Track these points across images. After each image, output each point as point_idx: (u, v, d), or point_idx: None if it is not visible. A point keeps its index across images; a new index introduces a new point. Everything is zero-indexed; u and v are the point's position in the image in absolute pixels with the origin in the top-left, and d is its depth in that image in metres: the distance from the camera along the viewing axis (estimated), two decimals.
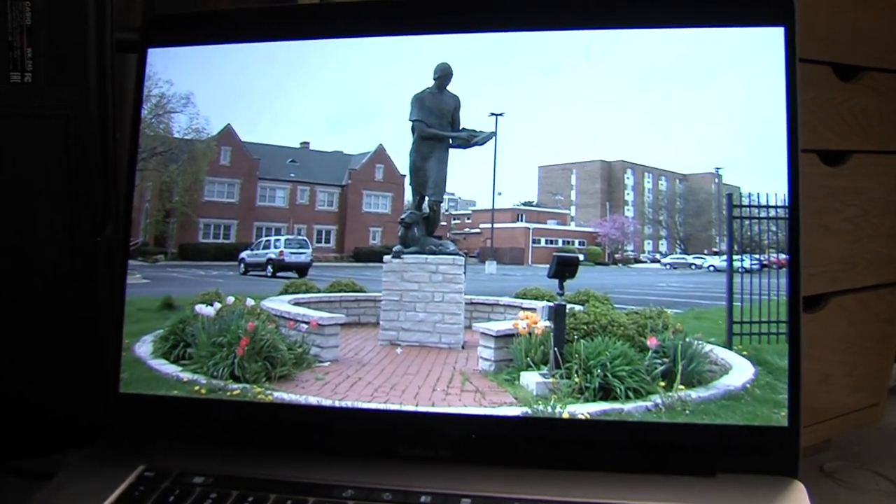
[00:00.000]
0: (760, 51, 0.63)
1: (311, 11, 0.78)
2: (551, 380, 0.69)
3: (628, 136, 0.71)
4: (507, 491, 0.60)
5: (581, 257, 0.86)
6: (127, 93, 0.75)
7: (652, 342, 0.70)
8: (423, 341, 0.89)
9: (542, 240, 1.02)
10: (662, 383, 0.68)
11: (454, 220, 1.02)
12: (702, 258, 0.85)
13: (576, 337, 0.71)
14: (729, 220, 0.73)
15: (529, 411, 0.66)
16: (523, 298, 0.85)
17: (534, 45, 0.69)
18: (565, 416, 0.65)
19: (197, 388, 0.71)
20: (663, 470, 0.61)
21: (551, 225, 1.01)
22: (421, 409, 0.68)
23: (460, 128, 0.81)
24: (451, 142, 0.85)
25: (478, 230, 0.99)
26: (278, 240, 0.91)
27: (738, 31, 0.64)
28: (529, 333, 0.75)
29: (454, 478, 0.62)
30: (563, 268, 0.76)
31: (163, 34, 0.74)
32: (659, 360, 0.69)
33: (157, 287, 0.78)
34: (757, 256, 0.71)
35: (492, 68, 0.71)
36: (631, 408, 0.67)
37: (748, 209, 0.70)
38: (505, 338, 0.80)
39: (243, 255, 0.88)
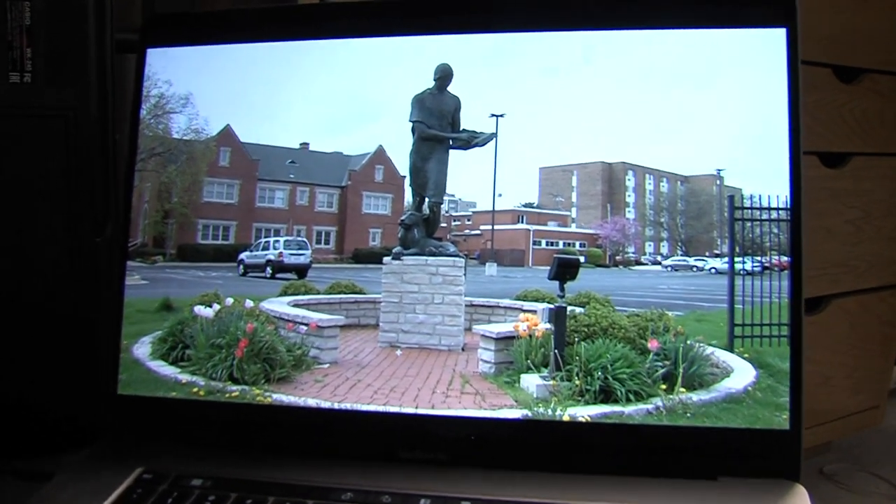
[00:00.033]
0: (762, 52, 0.63)
1: (310, 12, 0.78)
2: (552, 382, 0.69)
3: (629, 137, 0.70)
4: (506, 494, 0.59)
5: (582, 259, 0.86)
6: (127, 93, 0.75)
7: (653, 345, 0.69)
8: (423, 343, 0.89)
9: (543, 241, 1.01)
10: (663, 386, 0.67)
11: (454, 221, 1.02)
12: (703, 260, 0.85)
13: (576, 339, 0.71)
14: (730, 222, 0.73)
15: (530, 414, 0.66)
16: (524, 300, 0.85)
17: (534, 45, 0.69)
18: (566, 418, 0.65)
19: (195, 389, 0.71)
20: (664, 473, 0.61)
21: (552, 227, 1.01)
22: (420, 411, 0.67)
23: (461, 129, 0.81)
24: (451, 143, 0.85)
25: (478, 232, 0.99)
26: (277, 241, 0.90)
27: (740, 32, 0.64)
28: (530, 336, 0.75)
29: (454, 481, 0.62)
30: (564, 270, 0.75)
31: (162, 34, 0.73)
32: (660, 363, 0.69)
33: (156, 288, 0.78)
34: (759, 259, 0.71)
35: (492, 69, 0.70)
36: (632, 410, 0.66)
37: (750, 211, 0.70)
38: (505, 340, 0.80)
39: (242, 256, 0.88)
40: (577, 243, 0.97)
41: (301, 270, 0.92)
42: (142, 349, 0.74)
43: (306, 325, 0.81)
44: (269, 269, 0.91)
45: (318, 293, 0.90)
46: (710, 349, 0.69)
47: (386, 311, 0.92)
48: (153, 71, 0.73)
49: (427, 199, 0.96)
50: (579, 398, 0.67)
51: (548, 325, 0.74)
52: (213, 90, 0.74)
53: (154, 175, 0.79)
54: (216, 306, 0.76)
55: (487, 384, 0.77)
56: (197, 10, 1.03)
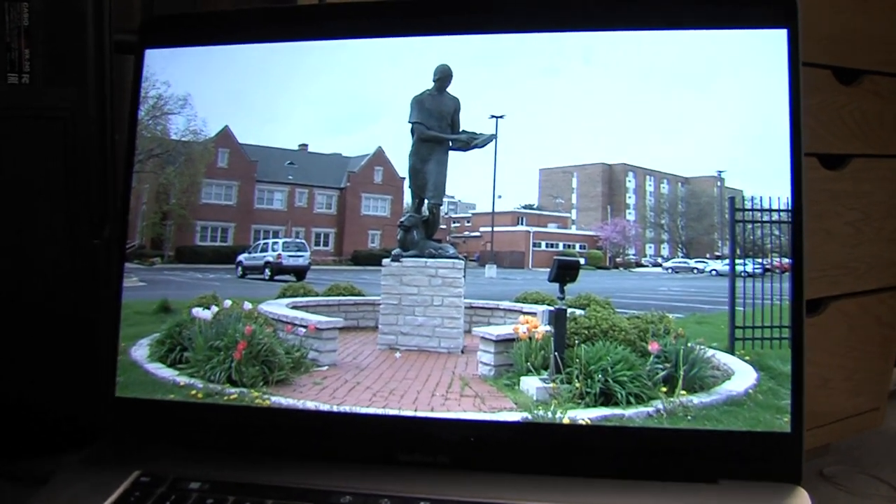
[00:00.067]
0: (763, 53, 0.63)
1: (309, 12, 0.78)
2: (552, 385, 0.69)
3: (630, 138, 0.70)
4: (506, 497, 0.59)
5: (582, 261, 0.86)
6: (126, 94, 0.75)
7: (653, 347, 0.69)
8: (423, 345, 0.89)
9: (543, 243, 1.01)
10: (664, 389, 0.67)
11: (454, 223, 1.01)
12: (704, 262, 0.85)
13: (576, 341, 0.71)
14: (731, 224, 0.73)
15: (529, 417, 0.65)
16: (523, 302, 0.85)
17: (534, 46, 0.68)
18: (566, 421, 0.65)
19: (193, 392, 0.71)
20: (665, 476, 0.61)
21: (552, 228, 1.00)
22: (420, 414, 0.67)
23: (460, 130, 0.81)
24: (450, 144, 0.85)
25: (478, 233, 0.99)
26: (276, 243, 0.90)
27: (740, 32, 0.64)
28: (530, 338, 0.75)
29: (453, 484, 0.61)
30: (564, 272, 0.75)
31: (160, 35, 0.73)
32: (660, 366, 0.69)
33: (154, 290, 0.78)
34: (759, 260, 0.71)
35: (492, 70, 0.70)
36: (632, 413, 0.66)
37: (751, 213, 0.70)
38: (505, 342, 0.80)
39: (241, 258, 0.88)
40: (578, 245, 0.97)
41: (300, 272, 0.91)
42: (140, 351, 0.74)
43: (305, 327, 0.81)
44: (267, 271, 0.91)
45: (317, 295, 0.90)
46: (710, 351, 0.69)
47: (385, 314, 0.92)
48: (151, 72, 0.73)
49: (426, 201, 0.96)
50: (579, 401, 0.67)
51: (548, 328, 0.74)
52: (212, 91, 0.74)
53: (152, 176, 0.79)
54: (214, 308, 0.75)
55: (487, 387, 0.77)
56: (195, 11, 1.03)
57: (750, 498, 0.59)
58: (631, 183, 0.94)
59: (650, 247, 0.90)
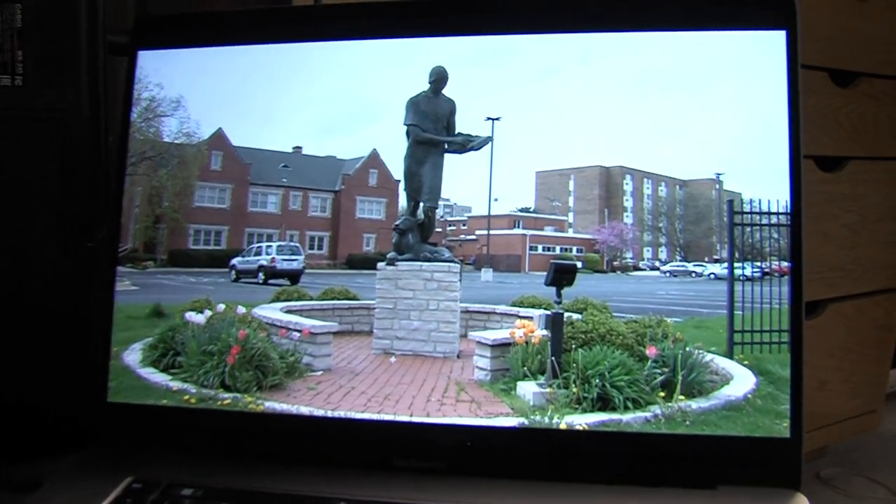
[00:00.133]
0: (761, 54, 0.62)
1: (304, 13, 0.77)
2: (548, 390, 0.68)
3: (627, 141, 0.70)
4: (502, 503, 0.59)
5: (579, 265, 0.85)
6: (119, 95, 0.74)
7: (651, 351, 0.69)
8: (418, 350, 0.88)
9: (540, 247, 1.01)
10: (662, 393, 0.67)
11: (449, 226, 1.01)
12: (702, 266, 0.84)
13: (574, 346, 0.70)
14: (730, 227, 0.72)
15: (526, 422, 0.65)
16: (520, 307, 0.84)
17: (531, 48, 0.68)
18: (563, 426, 0.64)
19: (186, 397, 0.70)
20: (663, 482, 0.61)
21: (549, 231, 1.00)
22: (415, 419, 0.66)
23: (456, 132, 0.80)
24: (446, 146, 0.84)
25: (474, 237, 0.98)
26: (270, 246, 0.90)
27: (739, 34, 0.64)
28: (526, 342, 0.75)
29: (449, 490, 0.61)
30: (561, 275, 0.75)
31: (153, 36, 0.73)
32: (658, 370, 0.68)
33: (147, 294, 0.77)
34: (758, 264, 0.71)
35: (488, 72, 0.70)
36: (630, 418, 0.66)
37: (749, 216, 0.69)
38: (501, 347, 0.80)
39: (234, 261, 0.87)
40: (575, 248, 0.97)
41: (294, 276, 0.91)
42: (132, 356, 0.73)
43: (299, 331, 0.80)
44: (261, 275, 0.90)
45: (311, 299, 0.90)
46: (709, 356, 0.69)
47: (380, 318, 0.91)
48: (144, 73, 0.72)
49: (422, 204, 0.96)
50: (576, 406, 0.66)
51: (544, 332, 0.73)
52: (205, 93, 0.74)
53: (145, 179, 0.78)
54: (208, 312, 0.75)
55: (483, 392, 0.76)
56: (188, 12, 1.03)
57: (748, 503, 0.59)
58: (628, 186, 0.93)
59: (648, 250, 0.90)
